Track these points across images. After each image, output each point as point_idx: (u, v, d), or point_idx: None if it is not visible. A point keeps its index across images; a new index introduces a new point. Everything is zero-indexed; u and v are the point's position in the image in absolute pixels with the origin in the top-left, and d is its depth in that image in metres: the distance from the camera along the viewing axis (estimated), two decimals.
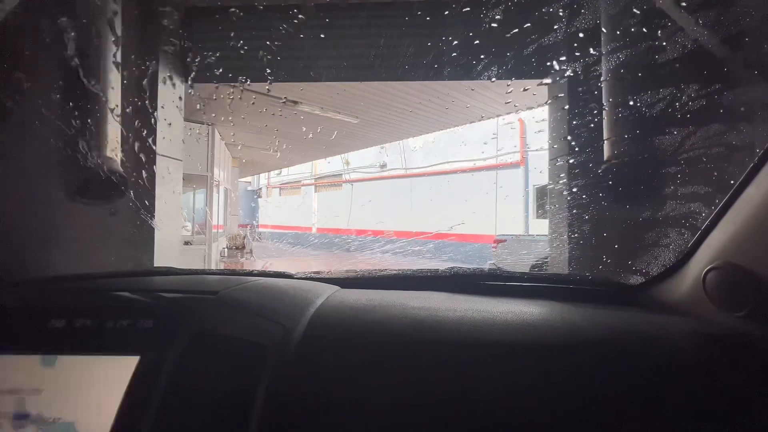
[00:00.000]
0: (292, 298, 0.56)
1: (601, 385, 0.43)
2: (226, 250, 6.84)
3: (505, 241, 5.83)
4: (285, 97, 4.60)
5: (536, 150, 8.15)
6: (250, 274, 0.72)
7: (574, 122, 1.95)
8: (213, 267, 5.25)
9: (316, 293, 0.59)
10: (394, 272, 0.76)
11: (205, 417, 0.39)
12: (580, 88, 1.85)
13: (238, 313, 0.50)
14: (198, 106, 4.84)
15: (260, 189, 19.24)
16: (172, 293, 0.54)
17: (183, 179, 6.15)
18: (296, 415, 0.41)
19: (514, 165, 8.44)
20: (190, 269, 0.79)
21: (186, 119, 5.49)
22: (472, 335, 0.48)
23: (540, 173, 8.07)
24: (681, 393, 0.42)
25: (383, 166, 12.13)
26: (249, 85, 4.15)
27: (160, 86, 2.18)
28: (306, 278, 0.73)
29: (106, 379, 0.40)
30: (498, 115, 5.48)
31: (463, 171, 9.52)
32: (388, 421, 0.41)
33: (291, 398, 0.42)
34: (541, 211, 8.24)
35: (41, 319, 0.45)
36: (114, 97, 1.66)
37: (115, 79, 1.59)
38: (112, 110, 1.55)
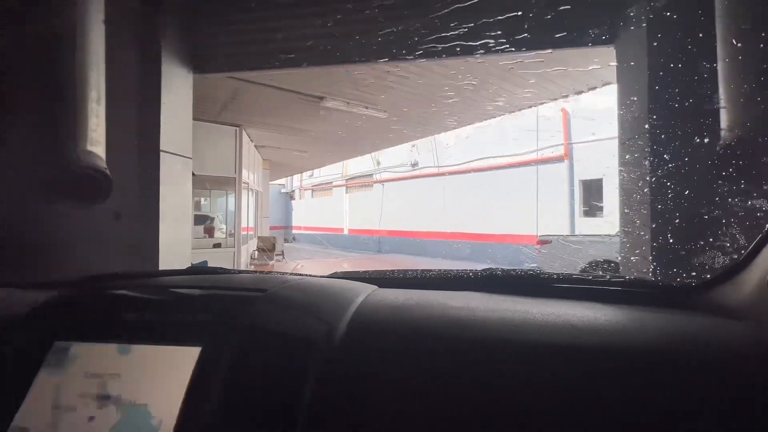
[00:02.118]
0: (334, 296, 0.58)
1: (650, 389, 0.40)
2: (256, 252, 6.79)
3: (549, 242, 5.30)
4: (313, 95, 4.38)
5: (583, 142, 7.45)
6: (293, 273, 0.75)
7: (664, 89, 1.51)
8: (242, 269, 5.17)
9: (355, 292, 0.60)
10: (431, 272, 0.76)
11: (258, 405, 0.43)
12: (670, 42, 1.43)
13: (285, 310, 0.53)
14: (221, 107, 4.76)
15: (293, 191, 19.51)
16: (225, 290, 0.57)
17: (211, 182, 6.20)
18: (341, 409, 0.43)
19: (557, 159, 7.77)
20: (238, 269, 0.85)
21: (213, 121, 5.46)
22: (513, 336, 0.47)
23: (587, 167, 7.37)
24: (739, 399, 0.39)
25: (415, 164, 11.77)
26: (272, 80, 3.98)
27: (164, 78, 1.96)
28: (344, 277, 0.74)
29: (173, 367, 0.45)
30: (540, 103, 4.96)
31: (500, 168, 8.97)
32: (428, 419, 0.42)
33: (336, 393, 0.44)
34: (589, 209, 7.53)
35: (115, 311, 0.51)
36: (97, 86, 1.38)
37: (102, 67, 1.36)
38: (95, 100, 1.28)
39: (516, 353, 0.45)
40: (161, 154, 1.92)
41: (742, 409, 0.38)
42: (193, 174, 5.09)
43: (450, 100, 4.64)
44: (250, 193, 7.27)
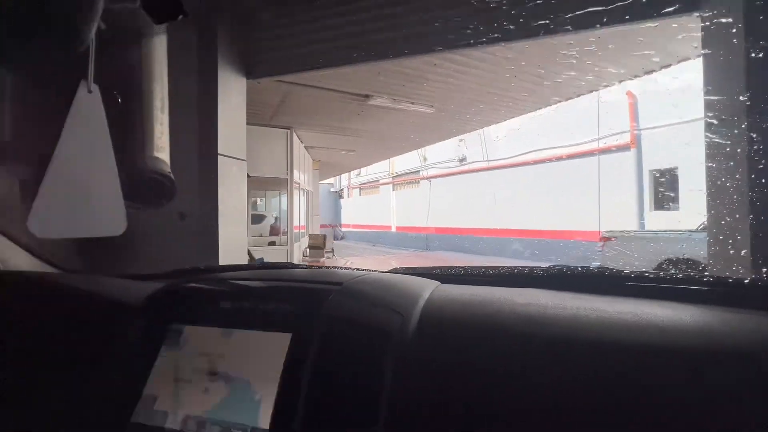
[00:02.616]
0: (404, 290, 0.59)
1: (744, 393, 0.37)
2: (308, 249, 7.03)
3: (614, 239, 4.85)
4: (360, 93, 4.41)
5: (653, 128, 6.71)
6: (356, 269, 0.78)
7: (765, 61, 1.27)
8: None
9: (421, 287, 0.61)
10: (494, 269, 0.75)
11: (345, 387, 0.46)
12: None
13: (361, 302, 0.55)
14: (272, 111, 4.97)
15: (341, 190, 19.99)
16: (306, 283, 0.61)
17: (265, 183, 6.52)
18: (419, 396, 0.45)
19: (622, 148, 7.08)
20: (314, 264, 0.95)
21: (266, 125, 5.73)
22: (585, 334, 0.45)
23: (659, 156, 6.64)
24: None
25: (462, 159, 11.45)
26: (319, 81, 4.06)
27: (220, 84, 2.06)
28: (403, 273, 0.76)
29: (269, 350, 0.50)
30: (603, 86, 4.54)
31: (556, 159, 8.40)
32: (501, 413, 0.42)
33: (413, 381, 0.46)
34: (661, 202, 6.79)
35: (217, 300, 0.57)
36: (161, 95, 1.46)
37: (165, 77, 1.46)
38: (159, 109, 1.35)
39: (592, 352, 0.43)
40: (219, 157, 2.02)
41: None
42: (248, 175, 5.41)
43: (500, 90, 4.42)
44: (301, 192, 7.54)
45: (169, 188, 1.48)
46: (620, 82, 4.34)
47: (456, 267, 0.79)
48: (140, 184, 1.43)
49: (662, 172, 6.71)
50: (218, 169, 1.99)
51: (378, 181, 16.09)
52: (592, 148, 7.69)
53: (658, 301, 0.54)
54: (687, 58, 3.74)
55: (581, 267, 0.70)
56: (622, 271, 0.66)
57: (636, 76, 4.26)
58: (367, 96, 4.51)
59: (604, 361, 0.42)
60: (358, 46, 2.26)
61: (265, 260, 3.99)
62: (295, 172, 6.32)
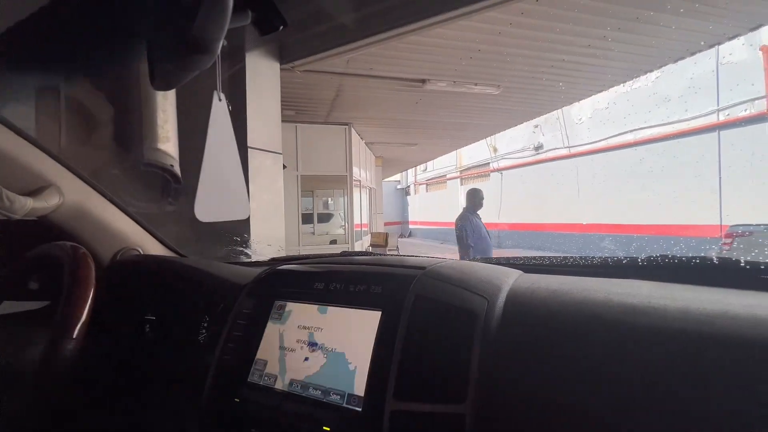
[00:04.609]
0: (488, 276, 0.59)
1: None
2: (370, 247, 6.89)
3: (747, 234, 3.76)
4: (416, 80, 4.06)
5: None
6: (442, 258, 0.78)
7: None
8: None
9: (504, 274, 0.62)
10: (582, 259, 0.72)
11: (434, 366, 0.48)
12: None
13: (446, 284, 0.56)
14: (328, 108, 4.86)
15: (408, 187, 19.74)
16: (390, 267, 0.63)
17: (323, 181, 6.51)
18: (505, 378, 0.45)
19: (755, 119, 5.57)
20: (384, 254, 0.86)
21: (323, 122, 5.68)
22: (702, 328, 0.40)
23: None
24: None
25: (539, 147, 10.34)
26: (371, 69, 3.80)
27: (249, 70, 1.87)
28: (488, 262, 0.75)
29: (361, 325, 0.54)
30: (716, 43, 3.51)
31: (657, 140, 7.02)
32: (594, 403, 0.40)
33: (500, 362, 0.46)
34: None
35: (313, 281, 0.63)
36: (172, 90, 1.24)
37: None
38: (162, 95, 1.17)
39: (707, 346, 0.38)
40: (249, 150, 1.84)
41: None
42: (299, 174, 5.40)
43: (581, 59, 3.68)
44: (363, 190, 7.43)
45: (171, 182, 1.25)
46: (734, 37, 3.29)
47: (539, 257, 0.77)
48: (139, 177, 1.24)
49: None
50: (248, 162, 1.81)
51: (445, 176, 15.48)
52: (708, 123, 6.23)
53: None
54: None
55: (689, 255, 0.61)
56: (753, 261, 0.55)
57: (760, 26, 3.20)
58: (423, 81, 4.13)
59: (723, 358, 0.37)
60: (395, 9, 1.92)
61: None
62: (355, 169, 6.19)
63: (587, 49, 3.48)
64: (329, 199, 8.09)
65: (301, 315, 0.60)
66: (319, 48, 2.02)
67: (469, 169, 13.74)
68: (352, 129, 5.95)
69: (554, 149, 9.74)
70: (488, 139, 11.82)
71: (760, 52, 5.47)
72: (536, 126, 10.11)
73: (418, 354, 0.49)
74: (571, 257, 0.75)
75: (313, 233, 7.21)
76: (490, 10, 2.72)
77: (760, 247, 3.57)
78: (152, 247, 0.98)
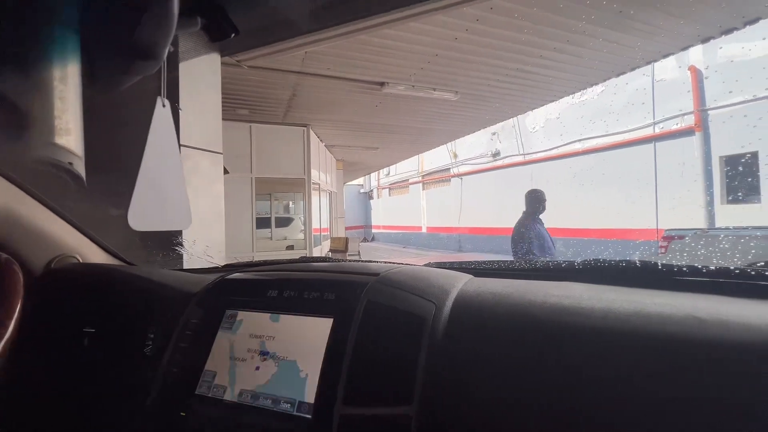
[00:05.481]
0: (437, 282, 0.61)
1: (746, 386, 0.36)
2: (329, 253, 6.71)
3: (682, 237, 4.06)
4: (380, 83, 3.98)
5: (723, 106, 5.70)
6: (398, 263, 0.79)
7: None
8: None
9: (454, 279, 0.63)
10: (528, 262, 0.76)
11: (383, 367, 0.49)
12: None
13: (397, 290, 0.57)
14: (285, 108, 4.66)
15: (371, 191, 19.70)
16: (345, 274, 0.64)
17: (280, 184, 6.27)
18: (452, 378, 0.47)
19: (684, 132, 6.10)
20: (345, 260, 0.91)
21: (280, 123, 5.46)
22: (620, 325, 0.44)
23: (731, 139, 5.64)
24: None
25: (496, 154, 10.70)
26: (329, 69, 3.68)
27: (183, 60, 1.67)
28: (435, 266, 0.77)
29: (313, 333, 0.55)
30: (651, 60, 3.77)
31: (602, 149, 7.49)
32: (531, 401, 0.43)
33: (447, 363, 0.48)
34: (736, 194, 5.76)
35: (266, 289, 0.63)
36: (73, 74, 1.02)
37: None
38: (58, 77, 0.92)
39: (623, 342, 0.43)
40: (181, 148, 1.64)
41: None
42: (254, 177, 5.13)
43: (534, 69, 3.80)
44: (323, 194, 7.25)
45: (71, 183, 1.05)
46: (668, 55, 3.57)
47: (489, 261, 0.80)
48: (39, 173, 1.06)
49: (737, 158, 5.69)
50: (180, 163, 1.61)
51: (407, 180, 15.60)
52: (646, 135, 6.73)
53: (705, 294, 0.52)
54: (757, 19, 2.97)
55: (620, 259, 0.66)
56: (670, 264, 0.60)
57: (690, 46, 3.49)
58: (382, 84, 4.07)
59: (635, 353, 0.41)
60: (339, 4, 1.83)
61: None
62: (314, 172, 6.01)
63: (539, 59, 3.59)
64: (290, 202, 7.82)
65: (252, 324, 0.59)
66: (261, 41, 1.87)
67: (430, 174, 13.94)
68: (311, 131, 5.77)
69: (510, 156, 10.12)
70: (449, 144, 12.08)
71: (689, 72, 6.00)
72: (494, 133, 10.46)
73: (368, 359, 0.50)
74: (518, 261, 0.79)
75: (270, 238, 6.91)
76: (445, 14, 2.71)
77: (691, 250, 3.86)
78: (93, 254, 0.92)
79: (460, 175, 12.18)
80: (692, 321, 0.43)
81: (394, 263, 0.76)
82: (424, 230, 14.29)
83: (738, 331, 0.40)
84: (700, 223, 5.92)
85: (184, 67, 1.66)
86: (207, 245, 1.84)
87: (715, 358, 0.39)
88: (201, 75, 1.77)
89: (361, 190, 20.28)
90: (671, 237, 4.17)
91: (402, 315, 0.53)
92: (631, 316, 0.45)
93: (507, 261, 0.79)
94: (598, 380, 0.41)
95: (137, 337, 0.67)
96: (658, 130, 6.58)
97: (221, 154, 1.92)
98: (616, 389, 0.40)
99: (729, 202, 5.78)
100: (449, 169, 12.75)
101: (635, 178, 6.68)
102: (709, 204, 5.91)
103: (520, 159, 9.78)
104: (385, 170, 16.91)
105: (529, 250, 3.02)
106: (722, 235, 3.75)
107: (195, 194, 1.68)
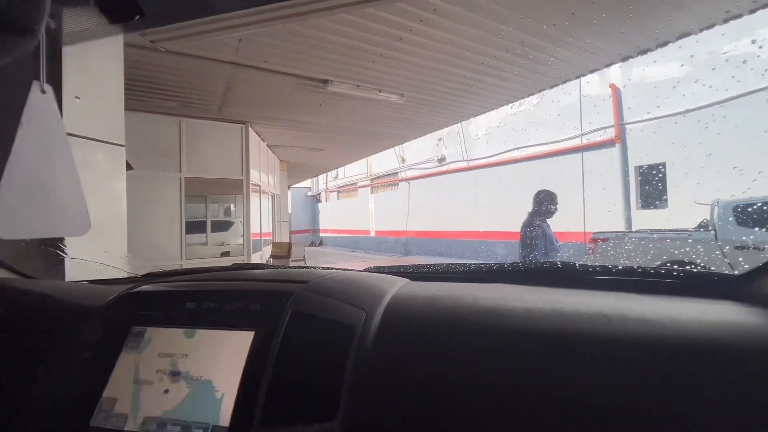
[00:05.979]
0: (371, 287, 0.60)
1: (681, 376, 0.39)
2: (271, 259, 6.33)
3: (606, 240, 4.38)
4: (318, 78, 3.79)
5: (637, 122, 6.36)
6: (335, 269, 0.77)
7: None
8: None
9: (390, 283, 0.63)
10: (462, 266, 0.77)
11: (306, 382, 0.47)
12: None
13: (326, 298, 0.56)
14: (220, 101, 4.28)
15: (319, 194, 19.25)
16: (271, 282, 0.62)
17: (217, 184, 5.79)
18: (380, 388, 0.46)
19: (606, 144, 6.71)
20: (285, 266, 0.88)
21: (216, 118, 5.04)
22: (538, 324, 0.48)
23: (644, 151, 6.29)
24: None
25: (442, 160, 10.98)
26: (267, 62, 3.43)
27: (67, 37, 1.34)
28: (375, 272, 0.78)
29: (231, 348, 0.50)
30: (579, 75, 4.05)
31: (538, 157, 7.99)
32: (459, 398, 0.44)
33: (375, 374, 0.47)
34: (648, 200, 6.42)
35: (179, 302, 0.57)
36: None
37: None
38: None
39: (540, 341, 0.45)
40: (69, 139, 1.32)
41: None
42: (183, 176, 4.66)
43: (475, 76, 3.89)
44: (264, 196, 6.84)
45: None
46: (595, 70, 3.87)
47: (426, 265, 0.81)
48: None
49: (648, 168, 6.36)
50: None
51: (356, 183, 15.47)
52: (575, 145, 7.30)
53: (614, 292, 0.57)
54: (666, 42, 3.32)
55: (547, 262, 0.72)
56: (586, 265, 0.66)
57: (612, 64, 3.81)
58: (325, 81, 3.90)
59: (550, 349, 0.44)
60: None
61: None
62: (254, 173, 5.63)
63: (481, 66, 3.67)
64: (232, 205, 7.28)
65: (163, 341, 0.54)
66: (175, 18, 1.62)
67: (379, 177, 13.95)
68: (250, 128, 5.40)
69: (455, 162, 10.44)
70: (397, 149, 12.17)
71: (609, 89, 6.61)
72: (440, 139, 10.72)
73: (290, 374, 0.47)
74: (454, 264, 0.79)
75: (206, 244, 6.35)
76: (389, 12, 2.63)
77: (614, 251, 4.19)
78: None
79: (407, 180, 12.32)
80: (599, 318, 0.46)
81: (331, 269, 0.73)
82: (372, 234, 14.24)
83: (634, 325, 0.45)
84: (621, 226, 6.51)
85: (74, 48, 1.36)
86: (105, 251, 1.55)
87: (613, 350, 0.42)
88: (93, 51, 1.47)
89: (309, 193, 19.74)
90: (597, 239, 4.48)
91: (329, 324, 0.51)
92: (548, 315, 0.48)
93: (444, 265, 0.79)
94: (520, 379, 0.43)
95: (26, 360, 0.60)
96: (585, 141, 7.16)
97: (123, 146, 1.60)
98: (536, 387, 0.42)
99: (642, 207, 6.43)
100: (397, 173, 12.85)
101: (566, 184, 7.19)
102: (627, 209, 6.54)
103: (464, 165, 10.12)
104: (334, 173, 16.61)
105: (534, 250, 2.87)
106: (639, 238, 4.11)
107: (88, 192, 1.37)
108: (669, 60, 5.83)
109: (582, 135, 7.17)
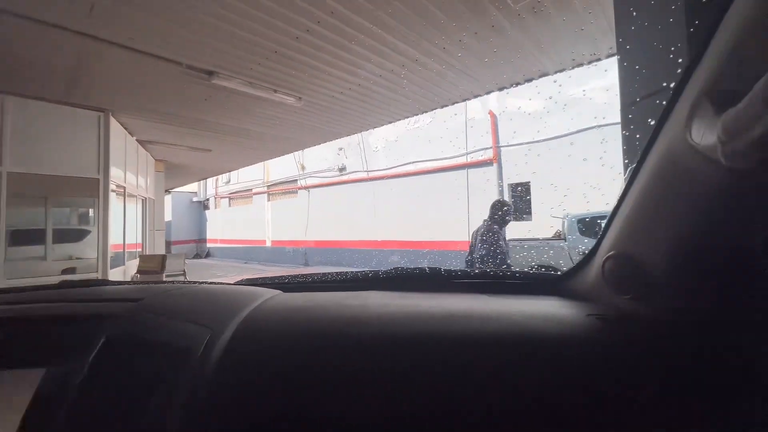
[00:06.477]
0: (224, 303, 0.56)
1: (516, 365, 0.46)
2: (137, 275, 5.33)
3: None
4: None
5: (509, 145, 7.38)
6: (188, 282, 0.71)
7: None
8: None
9: (252, 297, 0.59)
10: (336, 274, 0.77)
11: (116, 424, 0.39)
12: None
13: (161, 317, 0.50)
14: (67, 82, 3.43)
15: (207, 200, 17.32)
16: (90, 302, 0.55)
17: (65, 184, 4.66)
18: (219, 417, 0.42)
19: (486, 163, 7.61)
20: (120, 281, 0.78)
21: (62, 102, 4.04)
22: (395, 329, 0.50)
23: (515, 170, 7.31)
24: (581, 367, 0.46)
25: (342, 169, 10.98)
26: (131, 39, 2.87)
27: None
28: (246, 284, 0.74)
29: (19, 389, 0.40)
30: (475, 96, 4.49)
31: (431, 172, 8.61)
32: (315, 413, 0.42)
33: (212, 406, 0.42)
34: (517, 213, 7.45)
35: None
36: None
37: None
38: None
39: (401, 345, 0.47)
40: None
41: (583, 372, 0.46)
42: (5, 170, 3.63)
43: (374, 87, 3.95)
44: (131, 200, 5.77)
45: None
46: (476, 96, 4.36)
47: (300, 275, 0.79)
48: None
49: (517, 186, 7.39)
50: None
51: (251, 190, 14.39)
52: (461, 162, 8.08)
53: (472, 294, 0.62)
54: (531, 78, 3.94)
55: (414, 268, 0.74)
56: (450, 270, 0.72)
57: (491, 92, 4.35)
58: (210, 73, 3.47)
59: (406, 351, 0.46)
60: None
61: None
62: (116, 172, 4.69)
63: (379, 78, 3.74)
64: (90, 210, 5.90)
65: None
66: None
67: (277, 184, 13.24)
68: (112, 118, 4.50)
69: (356, 172, 10.55)
70: (297, 155, 11.75)
71: (489, 115, 7.54)
72: (341, 148, 10.73)
73: (91, 419, 0.39)
74: (330, 273, 0.78)
75: (44, 258, 5.01)
76: (285, 8, 2.46)
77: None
78: None
79: (307, 188, 11.97)
80: (448, 318, 0.50)
81: (178, 282, 0.67)
82: (268, 244, 13.37)
83: (478, 322, 0.50)
84: None
85: None
86: None
87: (454, 347, 0.46)
88: None
89: (195, 199, 17.61)
90: None
91: (155, 349, 0.45)
92: (406, 319, 0.50)
93: (320, 274, 0.78)
94: (378, 386, 0.43)
95: None
96: (469, 160, 7.98)
97: None
98: (396, 388, 0.43)
99: (514, 219, 7.43)
100: (297, 180, 12.39)
101: (455, 197, 7.89)
102: None
103: (364, 175, 10.30)
104: (225, 177, 15.18)
105: (487, 255, 2.95)
106: (512, 245, 4.69)
107: None
108: (537, 96, 6.93)
109: (467, 154, 7.99)
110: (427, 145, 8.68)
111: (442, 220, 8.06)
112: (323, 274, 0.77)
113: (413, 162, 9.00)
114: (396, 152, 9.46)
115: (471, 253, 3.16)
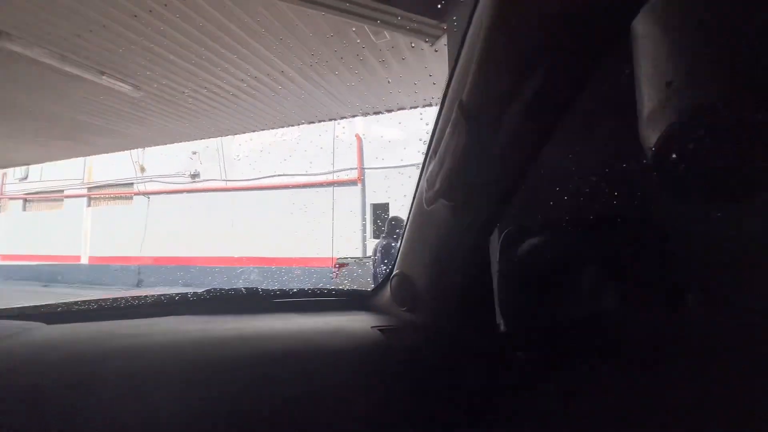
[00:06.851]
0: None
1: (324, 372, 0.51)
2: None
3: (347, 264, 5.01)
4: None
5: (373, 168, 7.90)
6: None
7: None
8: None
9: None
10: (135, 298, 0.68)
11: None
12: None
13: None
14: None
15: None
16: None
17: None
18: None
19: (351, 182, 7.92)
20: None
21: None
22: (206, 356, 0.48)
23: (377, 192, 7.84)
24: (368, 368, 0.55)
25: (195, 176, 9.71)
26: None
27: None
28: (2, 315, 0.62)
29: None
30: (341, 117, 4.65)
31: (297, 186, 8.45)
32: None
33: None
34: (378, 231, 7.97)
35: None
36: None
37: None
38: None
39: (202, 369, 0.46)
40: None
41: (371, 371, 0.54)
42: None
43: (233, 90, 3.67)
44: None
45: None
46: (343, 117, 4.58)
47: (84, 301, 0.66)
48: None
49: (379, 206, 7.94)
50: None
51: (62, 191, 11.26)
52: (328, 180, 8.20)
53: (291, 313, 0.64)
54: (391, 109, 4.39)
55: (228, 288, 0.70)
56: (268, 289, 0.71)
57: (367, 113, 4.64)
58: None
59: (206, 378, 0.45)
60: None
61: None
62: None
63: (240, 82, 3.49)
64: None
65: None
66: None
67: (103, 187, 10.74)
68: None
69: (212, 180, 9.49)
70: (134, 155, 9.83)
71: (355, 137, 7.94)
72: (194, 152, 9.51)
73: None
74: (124, 298, 0.69)
75: None
76: None
77: (353, 274, 4.82)
78: None
79: (147, 193, 10.10)
80: (258, 339, 0.51)
81: None
82: (84, 261, 10.59)
83: (291, 341, 0.52)
84: (359, 252, 7.71)
85: None
86: None
87: (260, 366, 0.47)
88: None
89: None
90: (341, 264, 5.04)
91: None
92: (197, 344, 0.48)
93: (110, 299, 0.68)
94: (177, 414, 0.42)
95: None
96: (335, 178, 8.18)
97: None
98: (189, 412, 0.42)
99: (374, 237, 7.90)
100: (133, 184, 10.32)
101: (320, 214, 7.91)
102: (364, 238, 7.85)
103: (222, 185, 9.35)
104: (20, 172, 11.48)
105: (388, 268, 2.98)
106: (369, 263, 4.94)
107: None
108: (400, 125, 7.66)
109: (334, 172, 8.17)
110: (294, 160, 8.51)
111: (307, 237, 7.95)
112: (112, 299, 0.67)
113: (278, 175, 8.68)
114: (261, 164, 8.95)
115: (374, 266, 3.57)
